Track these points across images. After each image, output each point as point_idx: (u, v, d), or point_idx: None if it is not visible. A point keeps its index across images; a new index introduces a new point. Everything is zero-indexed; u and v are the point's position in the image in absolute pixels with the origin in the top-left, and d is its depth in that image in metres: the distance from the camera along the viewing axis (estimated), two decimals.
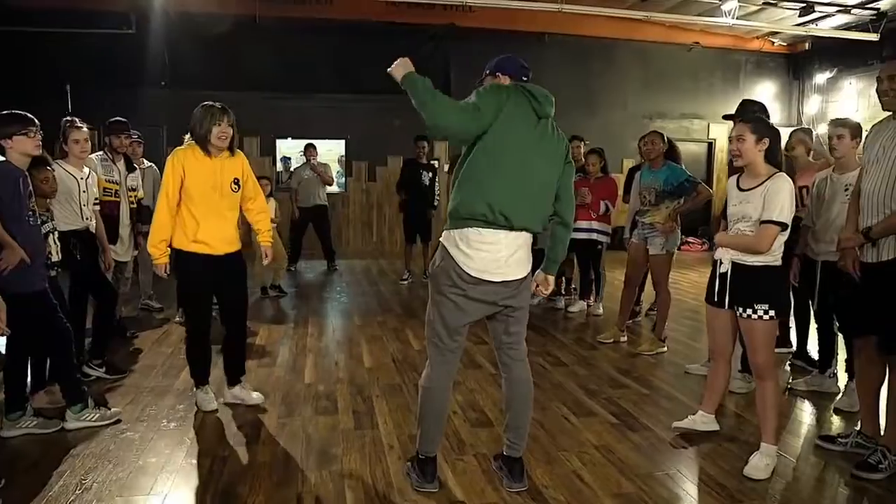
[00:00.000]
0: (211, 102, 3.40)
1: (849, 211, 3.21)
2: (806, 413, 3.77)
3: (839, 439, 3.18)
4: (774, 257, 2.93)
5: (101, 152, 4.83)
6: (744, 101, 3.95)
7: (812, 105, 11.60)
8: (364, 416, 3.58)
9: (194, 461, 2.99)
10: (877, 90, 2.95)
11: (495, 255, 2.50)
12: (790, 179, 2.90)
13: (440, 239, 2.59)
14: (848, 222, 3.17)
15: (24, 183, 3.12)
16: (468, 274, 2.49)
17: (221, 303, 3.63)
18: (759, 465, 2.90)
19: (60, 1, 8.63)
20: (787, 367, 4.54)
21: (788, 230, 2.92)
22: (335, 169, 11.26)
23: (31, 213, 3.16)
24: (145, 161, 5.65)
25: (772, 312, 2.92)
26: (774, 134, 2.95)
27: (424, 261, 7.83)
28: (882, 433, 3.00)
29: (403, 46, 10.80)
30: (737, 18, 9.54)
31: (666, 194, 4.69)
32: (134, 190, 5.05)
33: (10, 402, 3.24)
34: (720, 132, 11.55)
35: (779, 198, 2.83)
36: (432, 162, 9.01)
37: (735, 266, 2.99)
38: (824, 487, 2.87)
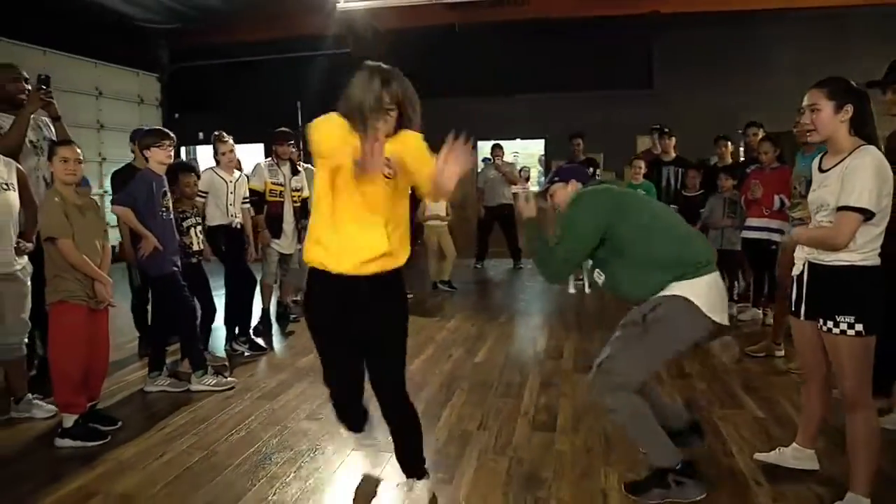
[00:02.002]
0: (375, 64, 2.23)
1: None
2: None
3: None
4: (863, 255, 2.30)
5: (269, 158, 5.57)
6: (894, 62, 3.13)
7: None
8: (434, 406, 3.64)
9: (259, 427, 3.36)
10: None
11: None
12: (878, 152, 2.27)
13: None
14: None
15: (159, 185, 3.79)
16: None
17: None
18: None
19: (287, 31, 10.01)
20: None
21: (884, 219, 2.28)
22: (536, 168, 11.35)
23: (164, 209, 3.82)
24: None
25: (859, 326, 2.30)
26: (860, 98, 2.33)
27: None
28: None
29: (601, 40, 10.44)
30: None
31: None
32: (298, 190, 5.71)
33: (151, 364, 3.96)
34: None
35: (858, 177, 2.23)
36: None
37: (812, 267, 2.44)
38: None
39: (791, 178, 5.15)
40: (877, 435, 2.40)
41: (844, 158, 2.31)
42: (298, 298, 6.24)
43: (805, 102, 2.41)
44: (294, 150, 5.72)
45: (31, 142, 3.77)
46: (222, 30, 10.12)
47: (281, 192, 5.51)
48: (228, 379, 4.02)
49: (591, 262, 2.71)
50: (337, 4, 8.04)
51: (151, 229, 3.71)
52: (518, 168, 9.78)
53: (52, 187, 3.20)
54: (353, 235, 2.20)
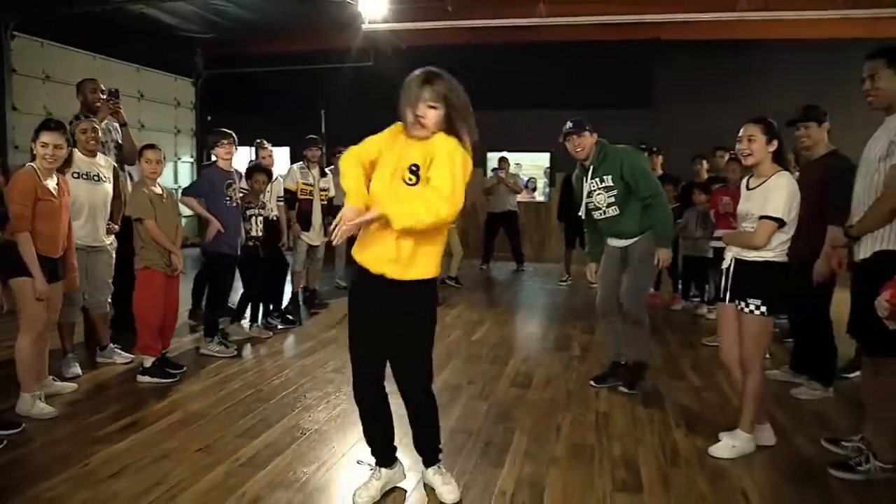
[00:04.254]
0: (426, 68, 2.51)
1: None
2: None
3: (843, 443, 3.18)
4: (775, 253, 3.07)
5: (301, 162, 6.42)
6: (807, 105, 3.96)
7: None
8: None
9: (294, 376, 4.20)
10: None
11: None
12: (792, 178, 3.08)
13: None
14: None
15: (223, 178, 4.64)
16: None
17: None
18: (723, 445, 3.12)
19: (317, 45, 10.93)
20: None
21: (791, 228, 3.05)
22: (542, 180, 12.17)
23: (228, 198, 4.65)
24: None
25: (763, 308, 3.06)
26: (779, 137, 3.12)
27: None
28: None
29: (607, 63, 11.16)
30: None
31: None
32: (325, 191, 6.54)
33: (206, 329, 4.78)
34: None
35: (777, 194, 3.01)
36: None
37: (737, 262, 3.19)
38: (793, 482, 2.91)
39: None
40: (761, 390, 3.17)
41: (767, 180, 3.09)
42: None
43: (742, 133, 3.16)
44: (320, 153, 6.56)
45: (101, 143, 4.63)
46: (255, 41, 11.03)
47: (310, 191, 6.36)
48: (230, 349, 4.71)
49: (611, 198, 3.94)
50: (362, 25, 8.86)
51: (216, 214, 4.55)
52: (524, 179, 10.60)
53: (140, 179, 4.09)
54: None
